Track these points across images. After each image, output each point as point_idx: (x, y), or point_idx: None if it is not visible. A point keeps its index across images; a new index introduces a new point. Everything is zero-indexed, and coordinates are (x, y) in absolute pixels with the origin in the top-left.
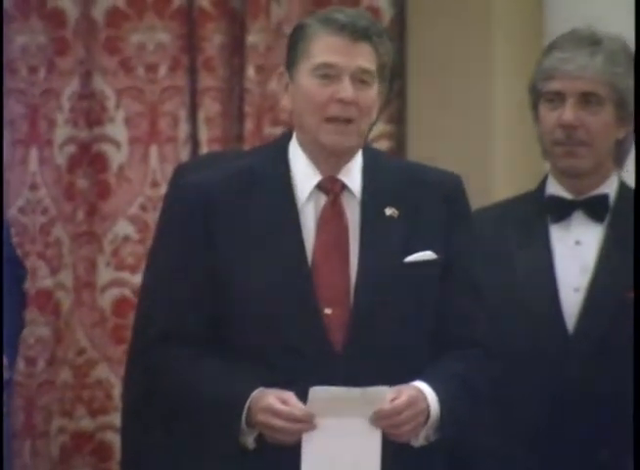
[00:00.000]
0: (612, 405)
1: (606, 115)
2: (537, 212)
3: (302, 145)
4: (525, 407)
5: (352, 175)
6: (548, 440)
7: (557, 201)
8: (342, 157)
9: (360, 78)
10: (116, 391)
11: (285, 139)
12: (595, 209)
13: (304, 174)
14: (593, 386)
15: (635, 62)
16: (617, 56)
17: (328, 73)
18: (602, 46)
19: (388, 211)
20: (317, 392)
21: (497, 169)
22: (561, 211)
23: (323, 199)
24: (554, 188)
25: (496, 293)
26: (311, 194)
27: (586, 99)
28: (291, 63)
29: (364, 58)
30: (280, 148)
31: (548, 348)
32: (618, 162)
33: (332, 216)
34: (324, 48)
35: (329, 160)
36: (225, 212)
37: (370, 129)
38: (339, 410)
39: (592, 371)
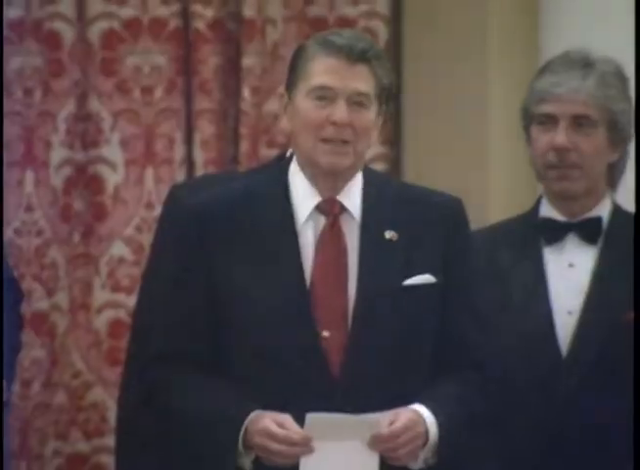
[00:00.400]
0: (607, 427)
1: (598, 137)
2: (531, 235)
3: (301, 166)
4: (519, 430)
5: (352, 197)
6: (544, 463)
7: (550, 223)
8: (340, 178)
9: (356, 101)
10: (112, 413)
11: (286, 160)
12: (588, 231)
13: (304, 196)
14: (587, 408)
15: (635, 67)
16: (610, 78)
17: (324, 95)
18: (594, 69)
19: (388, 235)
20: (313, 418)
21: (493, 192)
22: (554, 233)
23: (322, 221)
24: (547, 210)
25: (490, 315)
26: (310, 215)
27: (579, 122)
28: (290, 84)
29: (361, 80)
30: (281, 169)
31: (542, 370)
32: (612, 184)
33: (330, 238)
34: (321, 70)
35: (326, 180)
36: (223, 234)
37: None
38: (336, 435)
39: (586, 394)
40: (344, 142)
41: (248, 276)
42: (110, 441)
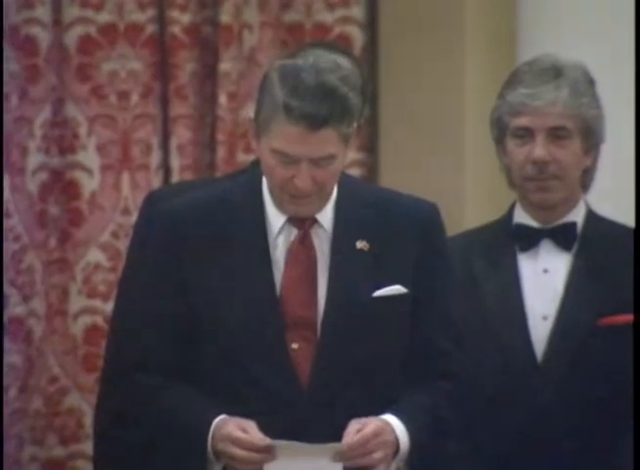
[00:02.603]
0: (581, 433)
1: (575, 146)
2: (505, 241)
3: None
4: (494, 437)
5: (324, 208)
6: (518, 468)
7: (524, 229)
8: None
9: (319, 164)
10: (88, 419)
11: (260, 169)
12: (563, 237)
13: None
14: (562, 414)
15: (635, 67)
16: (581, 85)
17: (286, 160)
18: (565, 77)
19: (359, 244)
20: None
21: (469, 197)
22: (528, 239)
23: (294, 232)
24: (521, 217)
25: (464, 322)
26: (283, 227)
27: (556, 133)
28: (256, 115)
29: (324, 145)
30: (255, 178)
31: (517, 376)
32: (584, 187)
33: (301, 250)
34: (282, 134)
35: None
36: (196, 243)
37: None
38: (300, 450)
39: (561, 399)
40: (309, 197)
41: (219, 286)
42: (86, 446)
